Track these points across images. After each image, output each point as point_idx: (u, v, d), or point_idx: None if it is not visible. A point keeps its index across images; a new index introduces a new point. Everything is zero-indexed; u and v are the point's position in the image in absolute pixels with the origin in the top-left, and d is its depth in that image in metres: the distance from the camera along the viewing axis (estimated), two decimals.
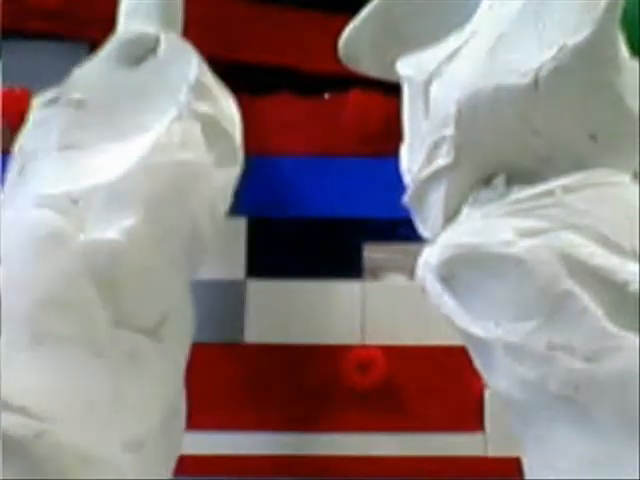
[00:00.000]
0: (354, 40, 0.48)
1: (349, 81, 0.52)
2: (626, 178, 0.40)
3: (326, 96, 0.53)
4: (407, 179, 0.44)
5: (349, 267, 0.51)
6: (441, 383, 0.50)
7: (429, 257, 0.41)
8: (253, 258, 0.51)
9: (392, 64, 0.45)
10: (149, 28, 0.46)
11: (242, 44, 0.54)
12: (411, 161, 0.44)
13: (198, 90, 0.44)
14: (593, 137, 0.41)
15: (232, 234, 0.51)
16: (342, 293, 0.51)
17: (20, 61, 0.54)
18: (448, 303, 0.41)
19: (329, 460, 0.49)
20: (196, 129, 0.44)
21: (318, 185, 0.52)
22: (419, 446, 0.49)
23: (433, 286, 0.41)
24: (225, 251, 0.51)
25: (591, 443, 0.37)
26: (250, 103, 0.50)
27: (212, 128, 0.44)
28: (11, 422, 0.36)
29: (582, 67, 0.39)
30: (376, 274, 0.51)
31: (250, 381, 0.50)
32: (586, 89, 0.40)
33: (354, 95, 0.52)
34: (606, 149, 0.41)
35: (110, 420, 0.38)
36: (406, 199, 0.44)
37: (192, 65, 0.45)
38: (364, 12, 0.48)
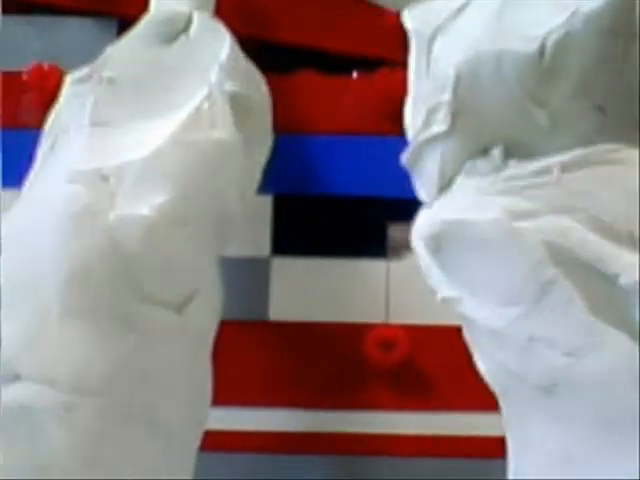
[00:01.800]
0: None
1: (376, 62, 0.52)
2: (634, 154, 0.38)
3: (354, 74, 0.53)
4: (409, 134, 0.43)
5: (373, 246, 0.51)
6: (463, 363, 0.49)
7: (421, 224, 0.40)
8: (278, 235, 0.51)
9: None
10: (181, 7, 0.46)
11: (271, 24, 0.54)
12: (413, 117, 0.42)
13: (229, 70, 0.44)
14: (601, 109, 0.39)
15: (258, 211, 0.51)
16: (366, 272, 0.51)
17: (49, 38, 0.54)
18: (436, 275, 0.40)
19: (350, 438, 0.49)
20: (226, 108, 0.43)
21: (344, 163, 0.52)
22: (440, 425, 0.49)
23: (422, 255, 0.40)
24: (251, 228, 0.50)
25: (566, 440, 0.35)
26: (277, 82, 0.49)
27: (242, 108, 0.44)
28: (40, 394, 0.36)
29: (594, 35, 0.38)
30: (400, 253, 0.51)
31: (274, 358, 0.50)
32: (597, 58, 0.38)
33: (382, 74, 0.52)
34: (614, 123, 0.39)
35: (137, 396, 0.38)
36: (403, 159, 0.43)
37: (224, 45, 0.45)
38: None
